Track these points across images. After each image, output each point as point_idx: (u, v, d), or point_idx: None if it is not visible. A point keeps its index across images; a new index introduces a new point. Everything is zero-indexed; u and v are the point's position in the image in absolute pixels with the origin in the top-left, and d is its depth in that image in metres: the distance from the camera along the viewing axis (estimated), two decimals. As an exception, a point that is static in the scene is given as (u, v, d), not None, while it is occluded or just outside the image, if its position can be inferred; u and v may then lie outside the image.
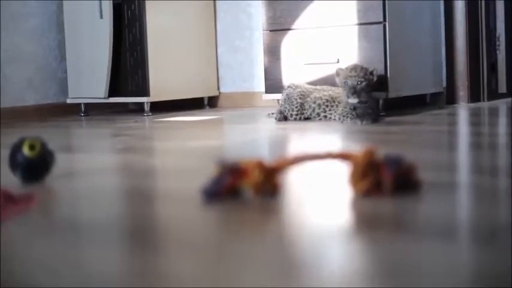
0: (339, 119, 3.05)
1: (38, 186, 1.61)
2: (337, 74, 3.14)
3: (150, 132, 3.05)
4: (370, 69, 3.11)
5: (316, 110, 3.19)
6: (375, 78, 3.12)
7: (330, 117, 3.14)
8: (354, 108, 3.02)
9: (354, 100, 3.02)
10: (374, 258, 0.88)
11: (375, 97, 3.19)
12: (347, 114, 3.01)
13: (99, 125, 3.59)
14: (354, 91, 3.01)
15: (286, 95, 3.32)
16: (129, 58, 4.15)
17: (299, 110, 3.24)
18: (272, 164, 1.37)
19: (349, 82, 3.03)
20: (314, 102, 3.21)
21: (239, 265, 0.88)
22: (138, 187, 1.58)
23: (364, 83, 3.04)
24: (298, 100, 3.24)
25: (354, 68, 3.08)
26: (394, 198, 1.28)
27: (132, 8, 4.11)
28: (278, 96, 3.64)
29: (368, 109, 3.03)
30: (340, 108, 3.09)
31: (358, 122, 2.94)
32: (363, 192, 1.32)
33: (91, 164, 2.04)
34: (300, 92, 3.27)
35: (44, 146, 1.68)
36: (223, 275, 0.84)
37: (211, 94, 4.60)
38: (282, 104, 3.33)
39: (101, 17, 4.11)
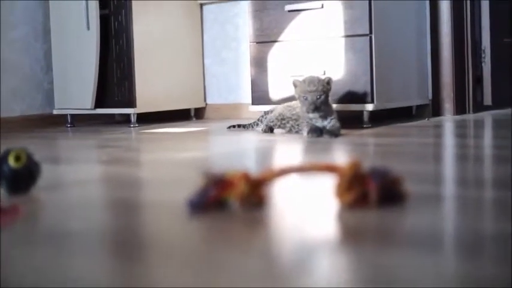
0: (307, 134, 3.00)
1: (24, 198, 1.61)
2: (295, 85, 3.08)
3: (136, 144, 3.05)
4: (326, 80, 3.03)
5: (293, 130, 3.18)
6: (331, 87, 3.07)
7: (302, 133, 3.11)
8: (318, 127, 2.99)
9: (315, 115, 2.99)
10: (359, 270, 0.89)
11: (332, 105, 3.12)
12: (313, 131, 2.98)
13: (85, 136, 3.59)
14: (315, 107, 2.98)
15: (268, 119, 3.33)
16: (116, 69, 4.15)
17: (278, 125, 3.26)
18: (258, 175, 1.37)
19: (309, 98, 2.98)
20: (288, 123, 3.21)
21: (224, 276, 0.88)
22: (123, 198, 1.57)
23: (323, 96, 3.00)
24: (279, 117, 3.25)
25: (311, 81, 3.01)
26: (379, 210, 1.28)
27: (119, 19, 4.11)
28: (265, 108, 3.64)
29: (334, 124, 3.00)
30: (303, 124, 3.07)
31: (326, 136, 2.91)
32: (349, 204, 1.32)
33: (77, 175, 2.03)
34: (278, 113, 3.27)
35: (29, 157, 1.67)
36: (208, 286, 0.84)
37: (198, 105, 4.60)
38: (269, 120, 3.32)
39: (88, 28, 4.11)
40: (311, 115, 3.00)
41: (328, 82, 3.03)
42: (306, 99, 2.99)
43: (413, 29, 3.82)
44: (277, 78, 3.63)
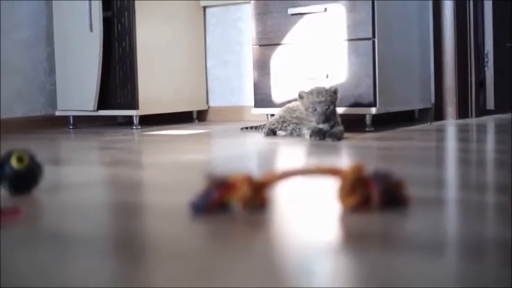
0: (310, 136, 3.00)
1: (26, 199, 1.61)
2: (301, 97, 3.05)
3: (138, 146, 3.05)
4: (333, 89, 3.02)
5: (295, 134, 3.18)
6: (339, 96, 3.07)
7: (304, 135, 3.11)
8: (321, 129, 2.98)
9: (324, 126, 2.98)
10: (362, 274, 0.88)
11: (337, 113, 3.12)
12: (313, 133, 2.97)
13: (87, 137, 3.59)
14: (325, 118, 2.96)
15: (269, 122, 3.35)
16: (119, 71, 4.15)
17: (280, 128, 3.25)
18: (260, 178, 1.37)
19: (319, 109, 2.96)
20: (289, 125, 3.20)
21: (226, 279, 0.88)
22: (125, 201, 1.57)
23: (332, 107, 2.99)
24: (279, 120, 3.24)
25: (320, 92, 2.99)
26: (382, 213, 1.28)
27: (122, 21, 4.11)
28: (267, 110, 3.65)
29: (337, 127, 3.00)
30: (305, 129, 3.07)
31: (329, 140, 2.90)
32: (352, 208, 1.32)
33: (79, 177, 2.03)
34: (279, 116, 3.27)
35: (32, 158, 1.67)
36: (210, 290, 0.84)
37: (200, 108, 4.60)
38: (270, 123, 3.31)
39: (91, 30, 4.11)
40: (321, 126, 2.97)
41: (335, 92, 3.03)
42: (315, 110, 2.98)
43: (416, 33, 3.82)
44: (279, 81, 3.63)
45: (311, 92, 3.02)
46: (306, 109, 3.03)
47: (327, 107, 2.98)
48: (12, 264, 0.99)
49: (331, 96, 3.00)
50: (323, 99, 2.98)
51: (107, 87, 4.19)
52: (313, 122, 3.00)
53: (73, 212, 1.43)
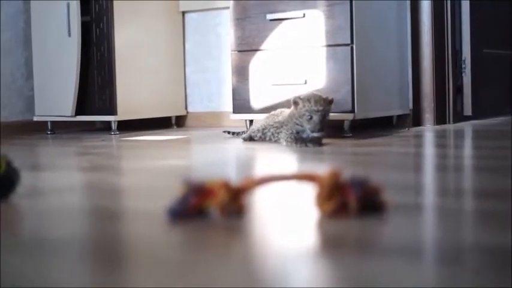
0: (285, 142, 3.00)
1: (3, 205, 1.59)
2: (296, 103, 2.96)
3: (116, 151, 3.04)
4: (330, 99, 2.98)
5: (273, 139, 3.16)
6: (332, 107, 3.03)
7: (280, 142, 3.11)
8: (297, 132, 2.97)
9: (318, 134, 2.94)
10: (339, 279, 0.89)
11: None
12: (293, 139, 2.96)
13: (65, 143, 3.57)
14: (321, 127, 2.92)
15: (250, 129, 3.34)
16: (97, 76, 4.13)
17: (259, 136, 3.24)
18: (238, 184, 1.37)
19: (315, 117, 2.90)
20: (269, 130, 3.18)
21: (203, 284, 0.88)
22: (103, 206, 1.57)
23: (327, 116, 2.96)
24: (260, 129, 3.23)
25: (318, 101, 2.93)
26: (359, 219, 1.28)
27: (101, 26, 4.10)
28: (246, 116, 3.65)
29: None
30: (283, 133, 3.04)
31: (310, 145, 2.90)
32: (329, 213, 1.32)
33: (57, 182, 2.02)
34: (260, 125, 3.26)
35: (9, 164, 1.66)
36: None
37: (179, 113, 4.59)
38: (253, 131, 3.30)
39: (69, 35, 4.10)
40: (315, 134, 2.92)
41: (331, 102, 2.99)
42: (311, 118, 2.91)
43: (395, 39, 3.84)
44: (258, 87, 3.63)
45: (308, 99, 2.94)
46: (301, 116, 2.95)
47: (322, 117, 2.93)
48: (-13, 271, 0.98)
49: (327, 105, 2.97)
50: (321, 108, 2.92)
51: (85, 92, 4.17)
52: (307, 129, 2.94)
53: (51, 218, 1.43)
